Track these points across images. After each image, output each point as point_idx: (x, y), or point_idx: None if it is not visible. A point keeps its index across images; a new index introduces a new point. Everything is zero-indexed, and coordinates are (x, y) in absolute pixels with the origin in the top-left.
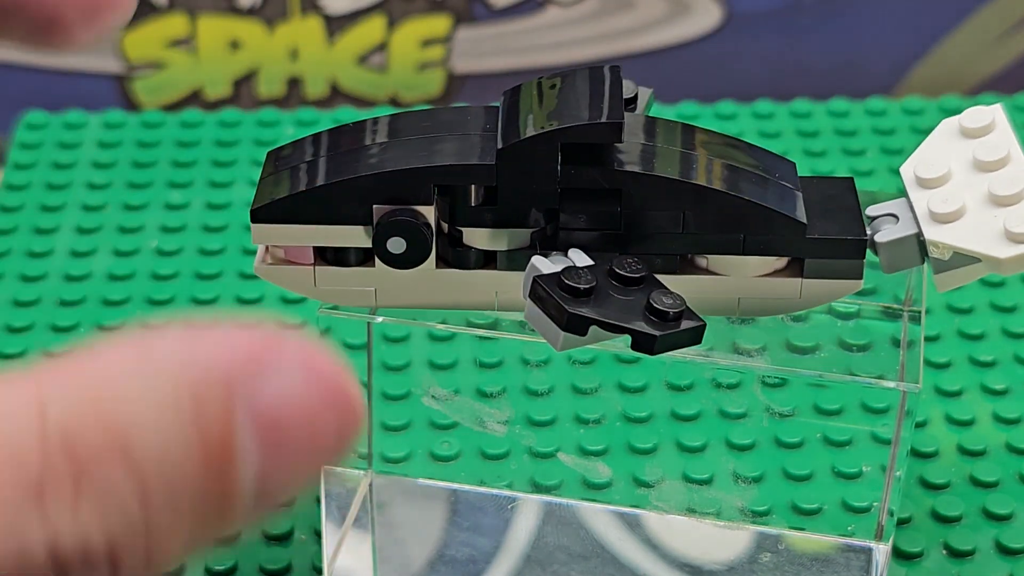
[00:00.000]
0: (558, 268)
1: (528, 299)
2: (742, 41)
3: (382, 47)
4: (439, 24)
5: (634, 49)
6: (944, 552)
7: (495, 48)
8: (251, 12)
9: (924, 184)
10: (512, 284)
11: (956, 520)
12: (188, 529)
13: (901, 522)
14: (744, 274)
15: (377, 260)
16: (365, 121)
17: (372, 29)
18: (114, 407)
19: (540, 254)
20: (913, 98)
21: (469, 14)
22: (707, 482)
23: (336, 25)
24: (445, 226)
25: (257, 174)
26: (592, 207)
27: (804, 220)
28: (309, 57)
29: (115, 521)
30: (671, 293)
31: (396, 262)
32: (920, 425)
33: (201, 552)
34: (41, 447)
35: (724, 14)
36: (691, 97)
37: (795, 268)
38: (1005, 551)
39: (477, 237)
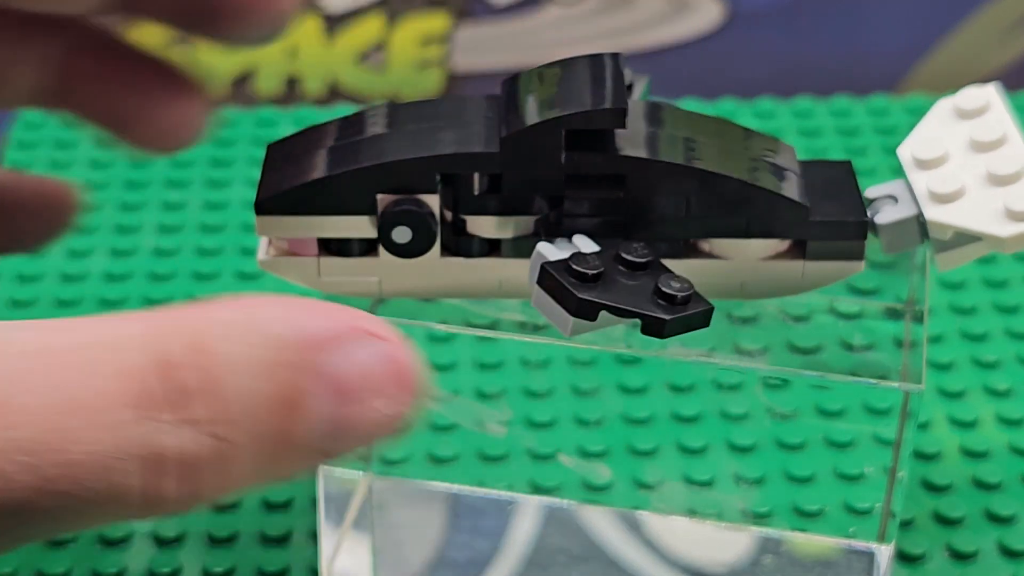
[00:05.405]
0: (565, 255)
1: (536, 286)
2: (743, 39)
3: (381, 46)
4: (439, 22)
5: (635, 47)
6: (947, 554)
7: (495, 46)
8: None
9: (923, 165)
10: (517, 272)
11: (959, 522)
12: (259, 459)
13: (904, 524)
14: (747, 257)
15: (381, 250)
16: (365, 111)
17: (371, 27)
18: (214, 351)
19: (546, 241)
20: (916, 96)
21: (469, 12)
22: (708, 484)
23: (335, 23)
24: (449, 215)
25: (256, 173)
26: (596, 193)
27: (806, 203)
28: (308, 56)
29: (204, 443)
30: (678, 277)
31: (401, 251)
32: (923, 426)
33: (265, 486)
34: (152, 374)
35: (725, 12)
36: (692, 95)
37: (797, 251)
38: (1008, 553)
39: (481, 225)
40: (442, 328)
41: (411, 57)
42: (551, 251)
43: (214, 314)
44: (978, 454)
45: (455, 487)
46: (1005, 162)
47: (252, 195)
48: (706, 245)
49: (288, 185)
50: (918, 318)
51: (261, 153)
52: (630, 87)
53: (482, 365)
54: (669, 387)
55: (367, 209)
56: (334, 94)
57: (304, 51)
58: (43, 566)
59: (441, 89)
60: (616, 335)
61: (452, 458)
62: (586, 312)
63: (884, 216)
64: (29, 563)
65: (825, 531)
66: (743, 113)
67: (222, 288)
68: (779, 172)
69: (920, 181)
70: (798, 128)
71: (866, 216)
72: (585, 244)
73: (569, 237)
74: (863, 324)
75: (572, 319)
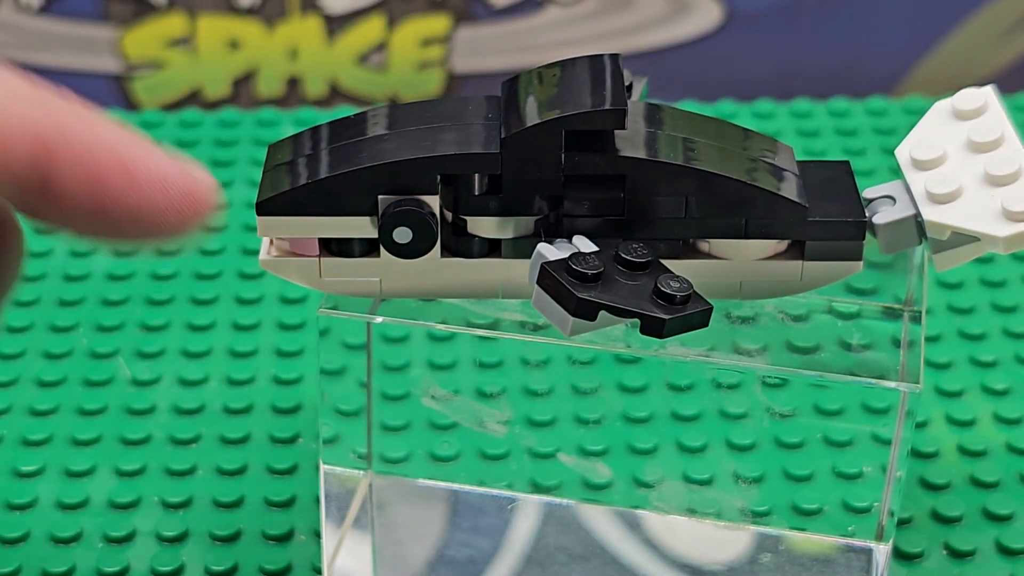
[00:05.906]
0: (564, 255)
1: (536, 286)
2: (742, 40)
3: (382, 47)
4: (439, 24)
5: (634, 48)
6: (945, 553)
7: (495, 48)
8: (250, 12)
9: (920, 166)
10: (517, 272)
11: (957, 520)
12: None
13: (902, 523)
14: (746, 257)
15: (382, 250)
16: (366, 112)
17: (372, 29)
18: None
19: (545, 241)
20: (914, 97)
21: (469, 13)
22: (707, 483)
23: (336, 24)
24: (449, 215)
25: (257, 174)
26: (595, 194)
27: (805, 203)
28: (309, 57)
29: None
30: (678, 277)
31: (402, 252)
32: (921, 425)
33: None
34: None
35: (724, 13)
36: (691, 97)
37: (796, 251)
38: (1006, 552)
39: (481, 225)
40: (442, 328)
41: (411, 58)
42: (551, 251)
43: None
44: (976, 453)
45: (455, 486)
46: (1002, 163)
47: (253, 195)
48: (705, 245)
49: (289, 186)
50: (916, 318)
51: (262, 154)
52: (629, 88)
53: (482, 365)
54: (668, 386)
55: (368, 209)
56: (334, 95)
57: (305, 52)
58: (46, 565)
59: (441, 90)
60: (616, 335)
61: (452, 457)
62: (586, 312)
63: (882, 216)
64: (33, 562)
65: (824, 530)
66: (742, 114)
67: (223, 288)
68: (778, 172)
69: (918, 182)
70: (797, 129)
71: (864, 216)
72: (584, 245)
73: (569, 238)
74: (861, 324)
75: (572, 319)
